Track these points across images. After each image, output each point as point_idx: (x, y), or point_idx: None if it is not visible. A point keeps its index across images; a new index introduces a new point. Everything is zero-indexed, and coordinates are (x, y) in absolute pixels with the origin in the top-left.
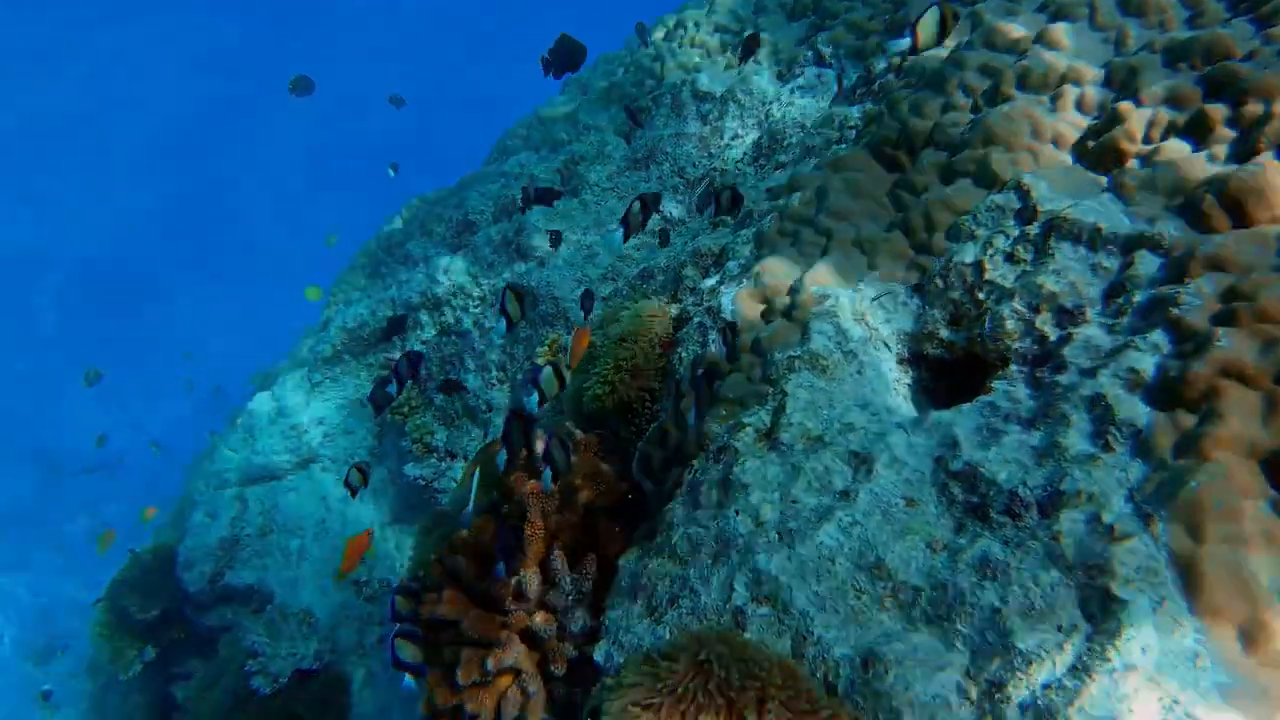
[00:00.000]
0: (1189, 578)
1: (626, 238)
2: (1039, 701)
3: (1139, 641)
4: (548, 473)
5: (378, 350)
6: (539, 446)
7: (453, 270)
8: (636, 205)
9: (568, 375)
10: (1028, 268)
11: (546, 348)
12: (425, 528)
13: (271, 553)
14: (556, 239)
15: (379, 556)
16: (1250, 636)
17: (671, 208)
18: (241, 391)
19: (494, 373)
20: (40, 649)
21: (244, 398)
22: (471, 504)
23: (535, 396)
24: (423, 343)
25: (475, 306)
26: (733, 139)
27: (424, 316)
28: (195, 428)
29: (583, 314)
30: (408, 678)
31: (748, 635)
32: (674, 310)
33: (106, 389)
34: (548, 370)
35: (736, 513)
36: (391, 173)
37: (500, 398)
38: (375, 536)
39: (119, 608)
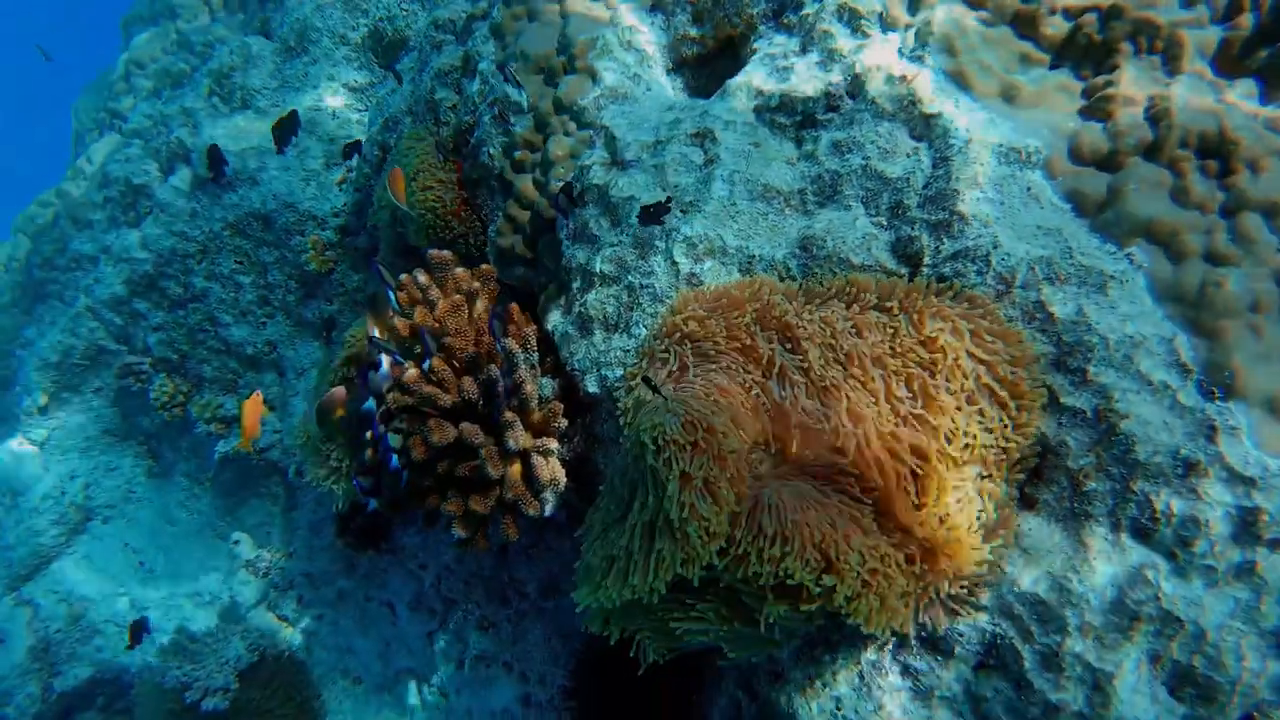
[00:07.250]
0: (961, 81)
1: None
2: (934, 188)
3: (961, 124)
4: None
5: (99, 368)
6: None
7: (149, 240)
8: None
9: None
10: None
11: (313, 252)
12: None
13: (98, 632)
14: (291, 123)
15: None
16: (1008, 95)
17: (352, 74)
18: None
19: (259, 311)
20: None
21: None
22: (384, 365)
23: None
24: (155, 329)
25: (199, 264)
26: None
27: (140, 305)
28: None
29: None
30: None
31: (708, 285)
32: (445, 132)
33: None
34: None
35: None
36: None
37: (279, 330)
38: (233, 538)
39: None
